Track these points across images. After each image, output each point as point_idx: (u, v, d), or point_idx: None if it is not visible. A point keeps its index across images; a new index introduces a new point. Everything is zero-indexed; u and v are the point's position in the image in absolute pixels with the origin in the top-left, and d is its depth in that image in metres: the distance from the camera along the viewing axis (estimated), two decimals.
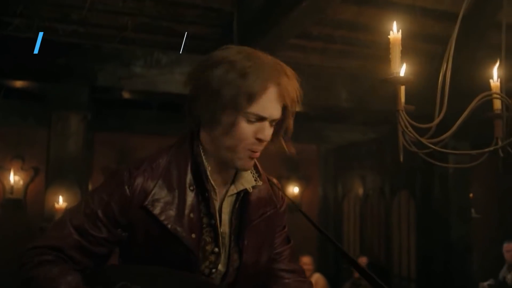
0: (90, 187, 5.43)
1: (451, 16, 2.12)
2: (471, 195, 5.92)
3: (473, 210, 6.04)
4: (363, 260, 5.09)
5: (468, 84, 2.73)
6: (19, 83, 4.87)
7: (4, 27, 4.60)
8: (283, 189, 1.45)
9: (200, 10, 4.72)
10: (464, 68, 3.99)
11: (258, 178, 1.32)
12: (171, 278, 1.18)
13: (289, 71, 1.22)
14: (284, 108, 1.23)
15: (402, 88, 1.98)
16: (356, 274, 5.00)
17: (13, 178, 6.36)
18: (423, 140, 2.01)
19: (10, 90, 5.05)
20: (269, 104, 1.18)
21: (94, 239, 1.20)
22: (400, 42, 1.93)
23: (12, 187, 6.39)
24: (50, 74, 4.19)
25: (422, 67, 4.78)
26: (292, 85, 1.21)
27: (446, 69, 2.16)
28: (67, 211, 1.28)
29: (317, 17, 3.79)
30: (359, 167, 7.55)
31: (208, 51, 1.24)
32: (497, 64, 2.26)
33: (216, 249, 1.26)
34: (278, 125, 1.25)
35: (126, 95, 4.48)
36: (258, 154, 1.24)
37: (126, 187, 1.21)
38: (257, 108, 1.17)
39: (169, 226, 1.19)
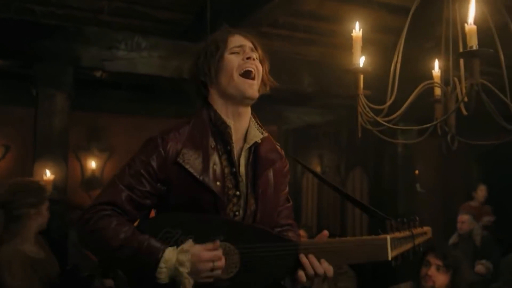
0: None
1: (404, 9, 2.50)
2: (416, 172, 6.49)
3: (418, 185, 6.62)
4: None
5: (419, 73, 3.13)
6: None
7: None
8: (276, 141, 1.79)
9: None
10: (414, 58, 4.43)
11: (263, 132, 1.67)
12: (204, 221, 1.50)
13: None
14: (256, 49, 1.66)
15: (361, 76, 2.41)
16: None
17: None
18: (378, 119, 2.46)
19: None
20: (238, 39, 1.65)
21: (140, 193, 1.50)
22: (360, 39, 2.36)
23: None
24: (35, 55, 4.35)
25: (378, 57, 5.20)
26: (255, 36, 1.70)
27: (397, 59, 2.60)
28: (114, 175, 1.57)
29: (288, 9, 4.12)
30: (317, 146, 7.98)
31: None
32: (436, 60, 2.74)
33: (238, 192, 1.57)
34: (261, 64, 1.65)
35: (106, 75, 4.72)
36: (254, 76, 1.61)
37: (160, 149, 1.52)
38: (231, 43, 1.64)
39: (198, 176, 1.51)
